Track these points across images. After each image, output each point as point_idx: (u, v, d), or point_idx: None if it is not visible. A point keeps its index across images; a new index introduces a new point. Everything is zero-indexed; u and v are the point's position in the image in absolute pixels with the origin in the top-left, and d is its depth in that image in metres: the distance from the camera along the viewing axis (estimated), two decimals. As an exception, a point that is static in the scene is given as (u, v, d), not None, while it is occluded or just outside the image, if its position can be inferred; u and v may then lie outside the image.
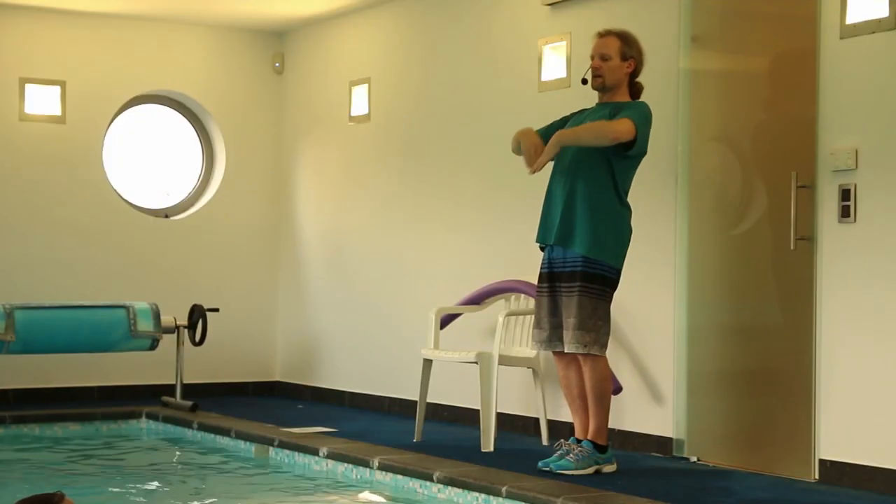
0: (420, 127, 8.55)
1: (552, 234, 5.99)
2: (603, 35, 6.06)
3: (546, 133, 6.02)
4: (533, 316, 6.29)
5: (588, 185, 5.90)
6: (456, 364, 7.17)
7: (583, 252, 5.87)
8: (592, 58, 6.05)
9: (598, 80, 6.02)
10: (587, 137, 5.90)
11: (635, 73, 6.04)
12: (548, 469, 5.91)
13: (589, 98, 6.20)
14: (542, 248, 6.13)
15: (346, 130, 9.27)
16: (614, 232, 5.92)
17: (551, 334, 6.01)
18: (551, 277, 6.03)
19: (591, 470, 5.89)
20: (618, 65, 5.99)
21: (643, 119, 5.89)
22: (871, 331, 5.66)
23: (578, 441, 6.00)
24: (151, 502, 6.19)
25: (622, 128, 5.82)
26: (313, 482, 6.54)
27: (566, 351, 5.96)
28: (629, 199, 5.99)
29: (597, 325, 5.88)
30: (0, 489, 6.16)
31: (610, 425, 6.14)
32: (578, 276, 5.88)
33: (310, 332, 9.64)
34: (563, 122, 6.13)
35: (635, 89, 6.06)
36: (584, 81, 6.11)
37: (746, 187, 6.41)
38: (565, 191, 5.95)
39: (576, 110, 6.20)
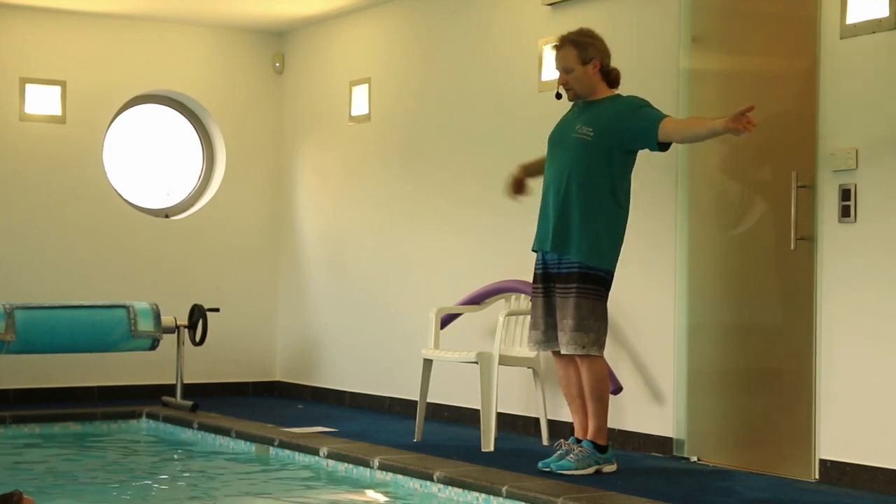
0: (420, 127, 8.55)
1: (548, 242, 5.98)
2: (559, 47, 6.02)
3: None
4: (531, 316, 6.29)
5: (582, 190, 5.87)
6: (456, 364, 7.16)
7: (580, 259, 5.86)
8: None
9: (570, 92, 6.03)
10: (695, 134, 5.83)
11: (604, 66, 5.99)
12: (548, 469, 5.91)
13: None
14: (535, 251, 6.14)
15: (346, 130, 9.27)
16: (610, 235, 5.90)
17: (549, 335, 6.01)
18: (546, 278, 6.02)
19: (591, 470, 5.89)
20: (582, 71, 5.95)
21: None
22: (871, 331, 5.66)
23: (578, 441, 6.00)
24: (151, 503, 6.18)
25: None
26: (313, 482, 6.54)
27: (563, 352, 5.95)
28: (632, 195, 5.99)
29: (595, 326, 5.87)
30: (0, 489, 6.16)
31: (610, 425, 6.14)
32: (575, 277, 5.87)
33: (310, 332, 9.64)
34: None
35: (611, 78, 6.02)
36: (559, 96, 6.10)
37: (746, 187, 6.41)
38: (559, 197, 5.93)
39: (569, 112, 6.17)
